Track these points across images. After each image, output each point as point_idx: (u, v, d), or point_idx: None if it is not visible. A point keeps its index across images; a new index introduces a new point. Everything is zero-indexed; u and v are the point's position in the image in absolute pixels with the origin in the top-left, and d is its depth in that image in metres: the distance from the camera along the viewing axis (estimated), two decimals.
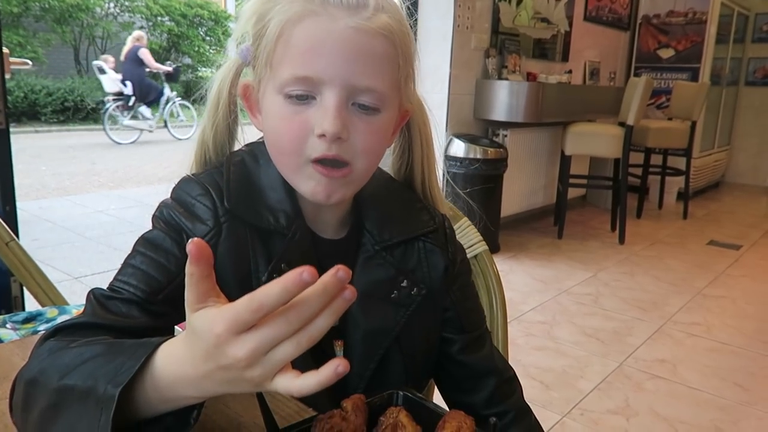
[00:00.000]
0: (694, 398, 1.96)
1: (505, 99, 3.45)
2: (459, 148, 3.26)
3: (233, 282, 0.60)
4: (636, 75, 5.14)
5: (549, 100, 3.48)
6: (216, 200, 0.60)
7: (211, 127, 0.66)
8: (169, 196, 0.64)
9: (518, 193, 3.85)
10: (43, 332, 0.53)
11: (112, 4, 12.32)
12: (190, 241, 0.38)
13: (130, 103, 8.61)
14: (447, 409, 0.50)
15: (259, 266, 0.61)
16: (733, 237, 4.06)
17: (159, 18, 12.79)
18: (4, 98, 1.74)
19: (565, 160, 3.79)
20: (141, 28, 12.71)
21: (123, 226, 4.07)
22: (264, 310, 0.37)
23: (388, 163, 0.74)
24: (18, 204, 1.97)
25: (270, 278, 0.59)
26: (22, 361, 0.66)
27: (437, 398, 0.80)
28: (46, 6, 10.83)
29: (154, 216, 0.62)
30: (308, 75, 0.55)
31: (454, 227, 0.96)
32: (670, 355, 2.27)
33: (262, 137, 0.66)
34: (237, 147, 0.69)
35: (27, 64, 1.87)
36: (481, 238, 0.96)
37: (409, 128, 0.70)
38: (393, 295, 0.65)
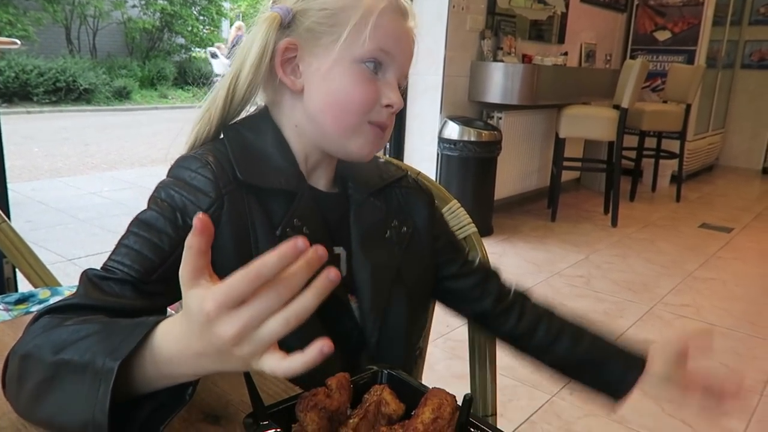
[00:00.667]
0: None
1: (500, 81, 3.44)
2: (453, 131, 3.25)
3: (232, 252, 0.62)
4: (632, 57, 5.12)
5: (544, 83, 3.47)
6: (216, 171, 0.63)
7: (233, 80, 0.66)
8: (166, 175, 0.66)
9: (512, 175, 3.86)
10: (35, 312, 0.53)
11: None
12: (197, 215, 0.40)
13: None
14: (429, 387, 0.51)
15: (258, 233, 0.64)
16: (725, 220, 4.08)
17: None
18: None
19: (560, 143, 3.79)
20: (133, 6, 12.55)
21: (116, 208, 4.06)
22: (261, 279, 0.38)
23: None
24: (10, 185, 1.96)
25: (283, 233, 0.64)
26: (13, 341, 0.67)
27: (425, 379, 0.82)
28: None
29: (151, 196, 0.63)
30: (390, 51, 0.67)
31: (444, 209, 0.97)
32: (659, 337, 2.29)
33: (254, 111, 0.70)
34: (247, 109, 0.72)
35: (16, 44, 1.85)
36: (470, 220, 0.97)
37: None
38: (387, 235, 0.73)
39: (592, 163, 4.48)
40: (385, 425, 0.50)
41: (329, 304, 0.67)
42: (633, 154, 4.44)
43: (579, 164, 4.36)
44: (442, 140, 3.30)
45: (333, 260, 0.69)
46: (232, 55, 0.69)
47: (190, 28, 13.51)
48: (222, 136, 0.69)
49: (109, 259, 0.59)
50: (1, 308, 1.13)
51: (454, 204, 0.98)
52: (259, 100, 0.72)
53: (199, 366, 0.43)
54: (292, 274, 0.39)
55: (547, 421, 1.72)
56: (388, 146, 3.34)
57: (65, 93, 10.09)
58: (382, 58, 0.66)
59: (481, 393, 0.96)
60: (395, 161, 0.83)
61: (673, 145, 4.55)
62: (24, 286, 1.54)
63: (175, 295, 0.64)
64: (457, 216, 0.97)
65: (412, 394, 0.52)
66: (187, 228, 0.59)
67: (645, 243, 3.49)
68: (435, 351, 2.07)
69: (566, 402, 1.82)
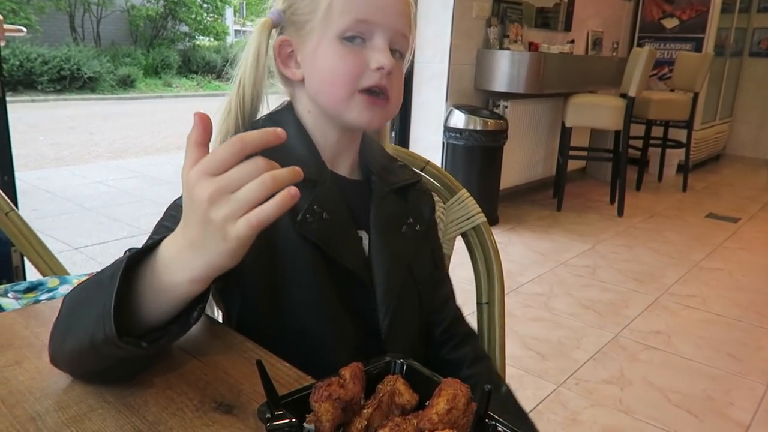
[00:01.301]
0: (687, 368, 1.99)
1: (506, 69, 3.42)
2: (459, 120, 3.24)
3: (255, 243, 0.63)
4: (639, 45, 5.07)
5: (550, 71, 3.44)
6: None
7: (240, 87, 0.72)
8: None
9: (518, 165, 3.84)
10: (79, 283, 0.58)
11: None
12: (196, 111, 0.44)
13: None
14: (442, 378, 0.51)
15: (280, 221, 0.65)
16: (731, 210, 4.06)
17: None
18: (0, 67, 1.72)
19: (566, 132, 3.77)
20: None
21: (122, 197, 4.07)
22: (242, 150, 0.43)
23: None
24: (16, 174, 1.97)
25: (303, 219, 0.67)
26: (24, 329, 0.67)
27: None
28: None
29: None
30: (367, 18, 0.66)
31: (452, 199, 0.97)
32: (665, 327, 2.29)
33: (279, 105, 0.75)
34: (262, 108, 0.75)
35: (22, 31, 1.84)
36: (479, 209, 0.97)
37: None
38: (403, 230, 0.75)
39: (598, 153, 4.46)
40: (399, 415, 0.50)
41: (349, 282, 0.69)
42: (639, 144, 4.41)
43: (585, 153, 4.34)
44: (447, 129, 3.28)
45: (356, 242, 0.72)
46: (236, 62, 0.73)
47: (194, 16, 13.47)
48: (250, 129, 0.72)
49: (150, 238, 0.63)
50: (11, 297, 1.13)
51: (464, 193, 0.97)
52: (285, 96, 0.77)
53: (191, 262, 0.47)
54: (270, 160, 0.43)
55: (554, 411, 1.73)
56: (393, 135, 3.34)
57: (70, 81, 10.09)
58: (362, 28, 0.67)
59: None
60: (411, 153, 0.85)
61: (680, 135, 4.52)
62: (32, 274, 1.55)
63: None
64: (466, 206, 0.97)
65: (426, 385, 0.52)
66: None
67: (651, 233, 3.48)
68: None
69: (572, 392, 1.82)
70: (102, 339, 0.47)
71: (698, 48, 4.94)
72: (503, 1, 3.61)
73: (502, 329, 0.96)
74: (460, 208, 0.96)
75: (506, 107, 3.56)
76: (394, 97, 0.70)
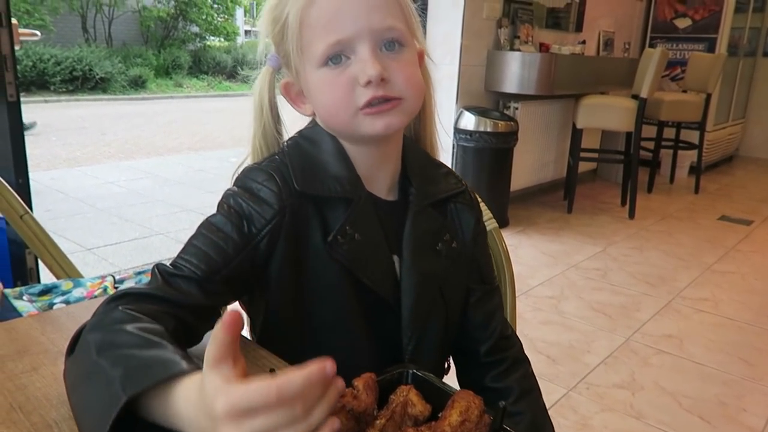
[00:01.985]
0: (699, 373, 1.98)
1: (516, 70, 3.41)
2: (469, 121, 3.23)
3: (283, 261, 0.66)
4: (651, 46, 5.04)
5: (561, 72, 3.43)
6: (280, 184, 0.66)
7: (261, 130, 0.73)
8: (232, 184, 0.69)
9: (528, 166, 3.83)
10: (114, 292, 0.58)
11: None
12: (227, 311, 0.40)
13: None
14: (455, 388, 0.51)
15: (311, 241, 0.66)
16: (744, 212, 4.03)
17: None
18: (14, 70, 1.74)
19: (577, 134, 3.75)
20: None
21: (134, 198, 4.09)
22: (281, 400, 0.37)
23: None
24: (30, 174, 1.99)
25: (334, 240, 0.66)
26: (41, 335, 0.68)
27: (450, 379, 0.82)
28: None
29: (220, 202, 0.67)
30: (338, 38, 0.63)
31: None
32: (677, 331, 2.28)
33: (308, 124, 0.73)
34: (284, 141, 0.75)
35: (36, 35, 1.86)
36: (491, 215, 0.96)
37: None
38: (438, 247, 0.72)
39: (609, 154, 4.43)
40: (412, 426, 0.50)
41: (377, 305, 0.69)
42: (651, 145, 4.38)
43: (596, 155, 4.32)
44: (458, 131, 3.28)
45: (387, 264, 0.70)
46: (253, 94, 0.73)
47: (204, 17, 13.53)
48: (284, 147, 0.72)
49: (180, 256, 0.63)
50: (26, 299, 1.15)
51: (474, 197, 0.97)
52: None
53: None
54: (310, 391, 0.38)
55: (564, 415, 1.72)
56: None
57: (82, 82, 10.18)
58: (338, 48, 0.63)
59: None
60: (456, 174, 0.81)
61: (693, 136, 4.48)
62: (46, 276, 1.57)
63: (236, 295, 0.68)
64: None
65: (439, 396, 0.52)
66: (252, 235, 0.64)
67: (663, 235, 3.45)
68: None
69: (583, 396, 1.81)
70: None
71: (711, 48, 4.90)
72: (514, 1, 3.60)
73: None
74: None
75: (517, 109, 3.55)
76: (406, 92, 0.65)
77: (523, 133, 3.43)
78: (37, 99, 9.45)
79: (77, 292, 1.19)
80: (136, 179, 4.67)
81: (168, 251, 2.99)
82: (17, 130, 1.78)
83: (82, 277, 1.30)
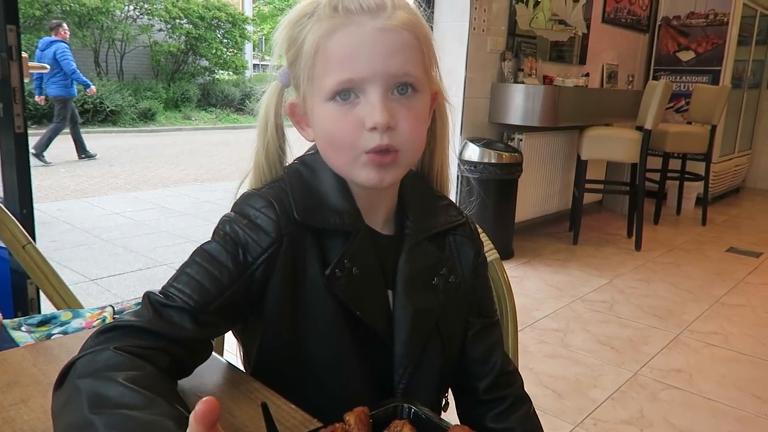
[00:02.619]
0: (710, 409, 1.93)
1: (520, 103, 3.43)
2: (474, 153, 3.24)
3: (280, 292, 0.64)
4: (655, 78, 5.08)
5: (565, 104, 3.45)
6: (278, 212, 0.64)
7: (264, 147, 0.71)
8: (230, 209, 0.68)
9: (533, 198, 3.82)
10: (105, 324, 0.56)
11: (131, 7, 12.48)
12: (201, 400, 0.40)
13: None
14: (451, 423, 0.50)
15: (308, 272, 0.65)
16: (753, 244, 3.99)
17: (177, 20, 12.93)
18: (22, 103, 1.77)
19: (581, 165, 3.75)
20: (160, 30, 12.87)
21: (139, 228, 4.11)
22: None
23: None
24: (37, 205, 2.00)
25: (332, 273, 0.64)
26: (33, 367, 0.67)
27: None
28: (68, 9, 11.00)
29: (216, 228, 0.66)
30: (350, 77, 0.61)
31: None
32: (687, 365, 2.23)
33: (309, 149, 0.72)
34: (287, 162, 0.73)
35: (46, 68, 1.90)
36: (492, 246, 0.95)
37: (434, 112, 0.75)
38: (434, 282, 0.71)
39: (614, 186, 4.42)
40: None
41: (371, 340, 0.68)
42: (657, 176, 4.37)
43: (601, 186, 4.31)
44: (462, 162, 3.29)
45: (382, 299, 0.69)
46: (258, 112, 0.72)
47: (214, 51, 13.79)
48: (285, 173, 0.71)
49: (171, 284, 0.61)
50: (24, 330, 1.14)
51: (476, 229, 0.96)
52: None
53: None
54: None
55: None
56: None
57: (92, 114, 10.34)
58: (349, 86, 0.61)
59: None
60: (457, 206, 0.79)
61: (698, 167, 4.48)
62: (47, 307, 1.56)
63: (230, 325, 0.67)
64: None
65: (433, 431, 0.50)
66: (248, 264, 0.62)
67: (670, 267, 3.42)
68: None
69: None
70: None
71: (715, 80, 4.93)
72: (518, 35, 3.65)
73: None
74: None
75: (521, 140, 3.56)
76: (406, 144, 0.64)
77: (528, 165, 3.44)
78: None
79: (76, 323, 1.18)
80: (142, 210, 4.69)
81: None
82: (23, 160, 1.80)
83: (82, 307, 1.29)
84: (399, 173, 0.66)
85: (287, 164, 0.72)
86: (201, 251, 0.63)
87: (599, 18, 4.44)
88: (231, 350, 0.82)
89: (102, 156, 7.43)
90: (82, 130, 7.56)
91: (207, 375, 0.66)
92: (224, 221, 0.66)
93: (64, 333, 1.11)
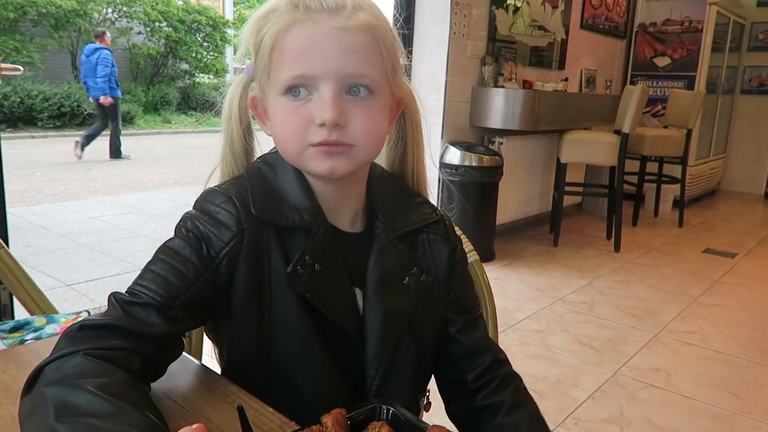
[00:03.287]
0: (688, 407, 1.95)
1: (500, 107, 3.46)
2: (454, 156, 3.26)
3: (246, 288, 0.64)
4: (632, 83, 5.15)
5: (545, 108, 3.49)
6: (239, 207, 0.65)
7: (229, 140, 0.71)
8: (192, 207, 0.67)
9: (514, 200, 3.85)
10: (75, 324, 0.56)
11: (110, 10, 12.34)
12: (191, 427, 0.40)
13: None
14: (429, 423, 0.50)
15: (272, 268, 0.65)
16: (728, 245, 4.06)
17: (157, 24, 12.81)
18: None
19: (561, 168, 3.79)
20: (139, 33, 12.73)
21: (117, 233, 4.05)
22: None
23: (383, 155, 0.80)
24: (12, 210, 1.96)
25: (294, 270, 0.64)
26: (2, 373, 0.65)
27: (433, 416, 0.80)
28: (44, 11, 10.83)
29: (177, 226, 0.66)
30: (303, 73, 0.62)
31: None
32: (665, 364, 2.26)
33: (273, 148, 0.71)
34: (255, 156, 0.74)
35: (19, 70, 1.87)
36: (471, 247, 0.96)
37: (403, 117, 0.75)
38: (405, 281, 0.70)
39: (593, 188, 4.48)
40: None
41: (340, 339, 0.68)
42: (635, 179, 4.44)
43: (581, 189, 4.36)
44: (443, 165, 3.30)
45: (349, 298, 0.69)
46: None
47: (194, 54, 13.68)
48: (246, 170, 0.71)
49: (136, 282, 0.61)
50: None
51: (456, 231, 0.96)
52: None
53: None
54: None
55: None
56: None
57: (69, 118, 10.18)
58: (302, 82, 0.62)
59: None
60: (432, 204, 0.79)
61: (675, 170, 4.55)
62: (20, 313, 1.53)
63: (198, 321, 0.67)
64: None
65: (411, 431, 0.50)
66: (211, 258, 0.62)
67: (648, 268, 3.46)
68: None
69: None
70: None
71: (690, 86, 5.02)
72: (498, 40, 3.68)
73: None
74: None
75: (501, 144, 3.59)
76: (360, 140, 0.64)
77: (508, 168, 3.46)
78: (23, 135, 9.42)
79: (50, 329, 1.15)
80: (120, 214, 4.63)
81: None
82: None
83: (57, 313, 1.27)
84: (352, 166, 0.65)
85: (252, 160, 0.72)
86: (164, 248, 0.63)
87: (578, 24, 4.50)
88: (209, 354, 0.81)
89: (80, 160, 7.32)
90: (59, 133, 7.62)
91: (182, 378, 0.65)
92: (185, 218, 0.66)
93: (38, 339, 1.09)
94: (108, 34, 7.93)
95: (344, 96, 0.63)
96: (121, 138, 7.78)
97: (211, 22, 13.81)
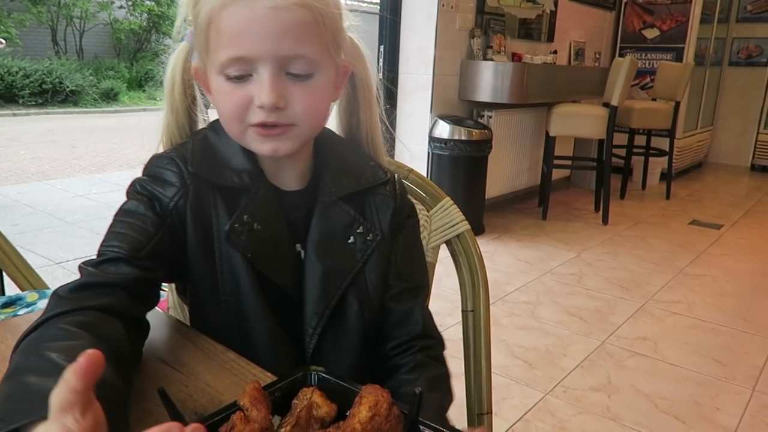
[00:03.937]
0: (674, 374, 2.00)
1: (489, 80, 3.44)
2: (444, 130, 3.25)
3: (196, 242, 0.66)
4: (621, 55, 5.14)
5: (534, 81, 3.48)
6: (181, 166, 0.67)
7: (171, 109, 0.72)
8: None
9: (503, 174, 3.86)
10: (57, 288, 0.59)
11: None
12: (85, 352, 0.37)
13: None
14: (361, 386, 0.50)
15: (220, 223, 0.67)
16: (714, 217, 4.11)
17: None
18: None
19: (550, 141, 3.80)
20: (120, 8, 12.45)
21: (105, 210, 4.02)
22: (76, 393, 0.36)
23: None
24: None
25: (232, 228, 0.66)
26: (1, 344, 0.65)
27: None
28: None
29: (127, 191, 0.68)
30: (241, 55, 0.61)
31: (436, 207, 0.96)
32: (651, 333, 2.30)
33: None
34: (200, 126, 0.74)
35: (1, 43, 1.82)
36: (463, 217, 0.96)
37: (353, 80, 0.75)
38: (350, 241, 0.71)
39: (582, 161, 4.49)
40: (319, 429, 0.48)
41: (282, 297, 0.69)
42: (623, 152, 4.45)
43: (569, 162, 4.37)
44: (432, 139, 3.29)
45: (290, 256, 0.70)
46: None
47: None
48: (191, 136, 0.72)
49: (101, 245, 0.63)
50: None
51: (447, 201, 0.97)
52: None
53: None
54: None
55: (541, 419, 1.72)
56: None
57: (52, 95, 9.99)
58: (239, 64, 0.61)
59: (476, 392, 0.95)
60: (386, 168, 0.78)
61: (663, 143, 4.58)
62: (11, 290, 1.52)
63: (168, 274, 0.68)
64: (449, 214, 0.96)
65: (344, 394, 0.50)
66: (164, 213, 0.64)
67: (636, 240, 3.50)
68: None
69: (560, 400, 1.81)
70: None
71: (679, 58, 5.02)
72: (486, 12, 3.64)
73: (488, 337, 0.95)
74: (444, 216, 0.96)
75: (490, 117, 3.58)
76: (300, 119, 0.64)
77: (498, 142, 3.46)
78: (5, 112, 9.24)
79: (42, 304, 1.15)
80: (107, 192, 4.58)
81: None
82: None
83: (48, 288, 1.26)
84: (294, 145, 0.66)
85: (197, 129, 0.73)
86: (120, 211, 0.66)
87: None
88: None
89: (64, 138, 7.21)
90: (41, 111, 7.29)
91: (179, 345, 0.66)
92: (134, 183, 0.68)
93: (32, 313, 1.09)
94: None
95: (283, 76, 0.62)
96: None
97: None
